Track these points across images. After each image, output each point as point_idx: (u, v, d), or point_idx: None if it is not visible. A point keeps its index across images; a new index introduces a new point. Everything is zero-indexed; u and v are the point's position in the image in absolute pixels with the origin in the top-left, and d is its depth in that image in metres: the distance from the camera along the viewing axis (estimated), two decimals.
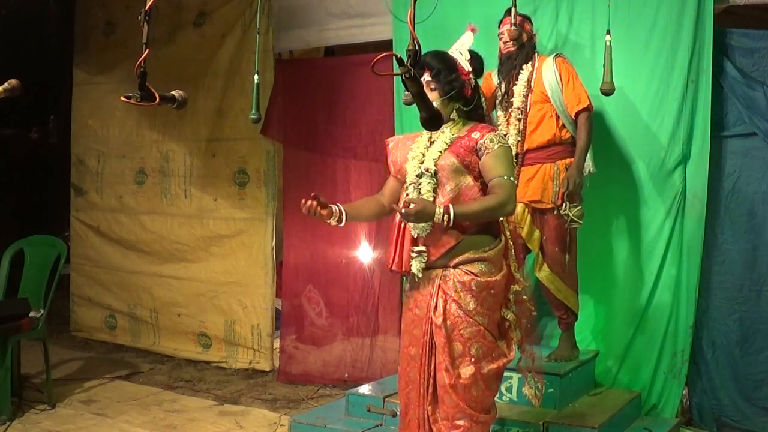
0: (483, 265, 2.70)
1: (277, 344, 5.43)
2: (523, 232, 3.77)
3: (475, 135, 2.71)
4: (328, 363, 5.15)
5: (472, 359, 2.68)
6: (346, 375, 5.03)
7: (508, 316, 2.80)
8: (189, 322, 5.83)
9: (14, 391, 4.50)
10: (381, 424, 3.75)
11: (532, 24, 3.92)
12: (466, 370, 2.68)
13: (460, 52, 2.82)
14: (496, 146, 2.68)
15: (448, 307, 2.70)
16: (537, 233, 3.83)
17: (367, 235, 5.08)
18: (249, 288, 5.52)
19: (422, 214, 2.54)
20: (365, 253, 5.08)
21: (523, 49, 3.84)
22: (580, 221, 3.76)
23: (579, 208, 3.75)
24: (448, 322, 2.70)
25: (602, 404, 3.77)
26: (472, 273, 2.69)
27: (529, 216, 3.81)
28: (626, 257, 4.09)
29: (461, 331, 2.69)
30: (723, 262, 3.99)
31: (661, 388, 3.99)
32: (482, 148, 2.68)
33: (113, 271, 6.27)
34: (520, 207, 3.71)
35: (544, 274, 3.83)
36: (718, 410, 4.00)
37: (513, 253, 2.84)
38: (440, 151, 2.73)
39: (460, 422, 2.69)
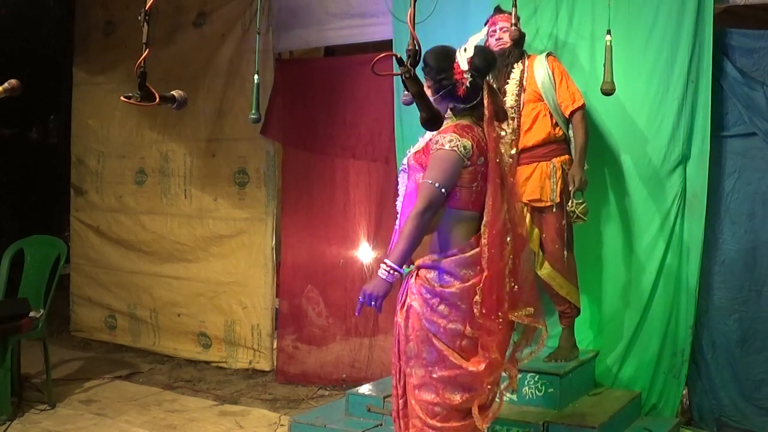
0: (435, 273, 2.62)
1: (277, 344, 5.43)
2: (522, 231, 3.76)
3: (434, 135, 2.67)
4: (327, 363, 5.15)
5: (424, 361, 2.65)
6: (344, 375, 5.03)
7: (468, 333, 2.63)
8: (189, 322, 5.83)
9: (14, 391, 4.51)
10: (381, 424, 3.74)
11: (519, 21, 3.91)
12: (419, 372, 2.66)
13: (465, 48, 2.69)
14: (434, 148, 2.61)
15: (408, 305, 2.69)
16: (536, 232, 3.84)
17: (366, 234, 5.08)
18: (249, 288, 5.52)
19: (375, 290, 2.55)
20: (364, 253, 5.08)
21: (515, 48, 3.83)
22: (585, 218, 3.73)
23: (584, 204, 3.72)
24: (409, 321, 2.68)
25: (602, 404, 3.76)
26: (426, 278, 2.65)
27: (528, 215, 3.81)
28: (626, 257, 4.08)
29: (417, 332, 2.65)
30: (723, 262, 3.98)
31: (661, 388, 3.99)
32: (431, 149, 2.65)
33: (113, 271, 6.28)
34: (519, 206, 3.70)
35: (545, 271, 3.83)
36: (718, 410, 3.99)
37: (512, 260, 2.70)
38: (416, 150, 2.75)
39: (415, 421, 2.67)
